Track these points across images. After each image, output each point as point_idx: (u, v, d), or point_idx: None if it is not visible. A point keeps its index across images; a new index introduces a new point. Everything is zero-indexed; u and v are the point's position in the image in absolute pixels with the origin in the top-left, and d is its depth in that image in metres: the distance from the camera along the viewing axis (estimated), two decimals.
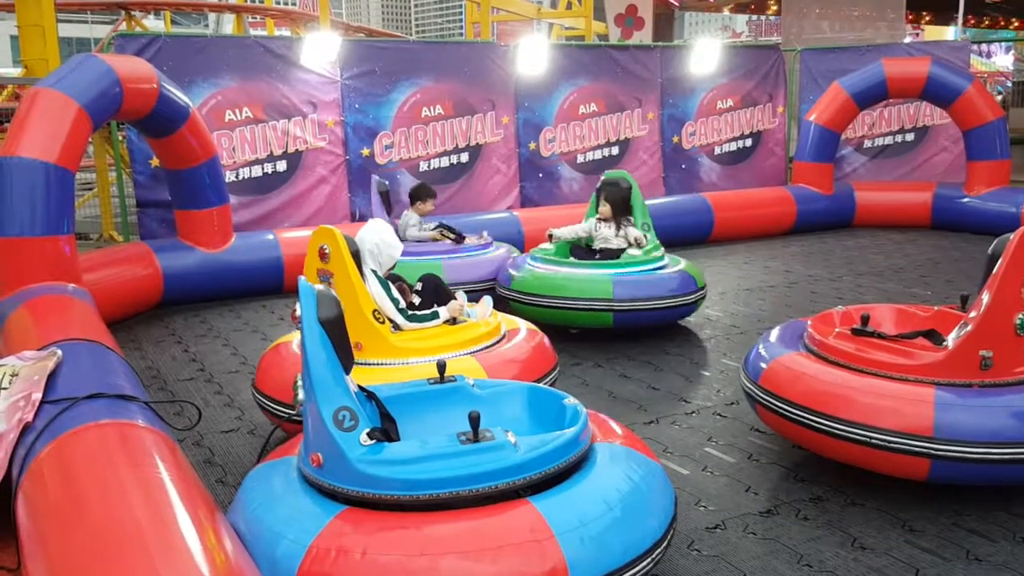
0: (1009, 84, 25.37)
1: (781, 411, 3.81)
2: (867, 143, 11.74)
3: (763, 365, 4.03)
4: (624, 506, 2.65)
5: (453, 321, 4.42)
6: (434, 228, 7.24)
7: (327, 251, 4.11)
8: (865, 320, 4.13)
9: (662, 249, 6.37)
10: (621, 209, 6.45)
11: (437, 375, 3.30)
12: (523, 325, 4.70)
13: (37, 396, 3.41)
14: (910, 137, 11.65)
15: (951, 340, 3.75)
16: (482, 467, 2.64)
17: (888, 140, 11.70)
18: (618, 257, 6.25)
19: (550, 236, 6.54)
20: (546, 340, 4.61)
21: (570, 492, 2.67)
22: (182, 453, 3.22)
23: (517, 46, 10.03)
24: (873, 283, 7.88)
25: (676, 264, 6.27)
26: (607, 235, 6.47)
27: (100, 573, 2.15)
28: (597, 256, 6.41)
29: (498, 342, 4.38)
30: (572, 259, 6.37)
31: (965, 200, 10.23)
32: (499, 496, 2.64)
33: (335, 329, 2.84)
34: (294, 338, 4.46)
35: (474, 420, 2.78)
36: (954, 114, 10.13)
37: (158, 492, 2.67)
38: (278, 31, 19.00)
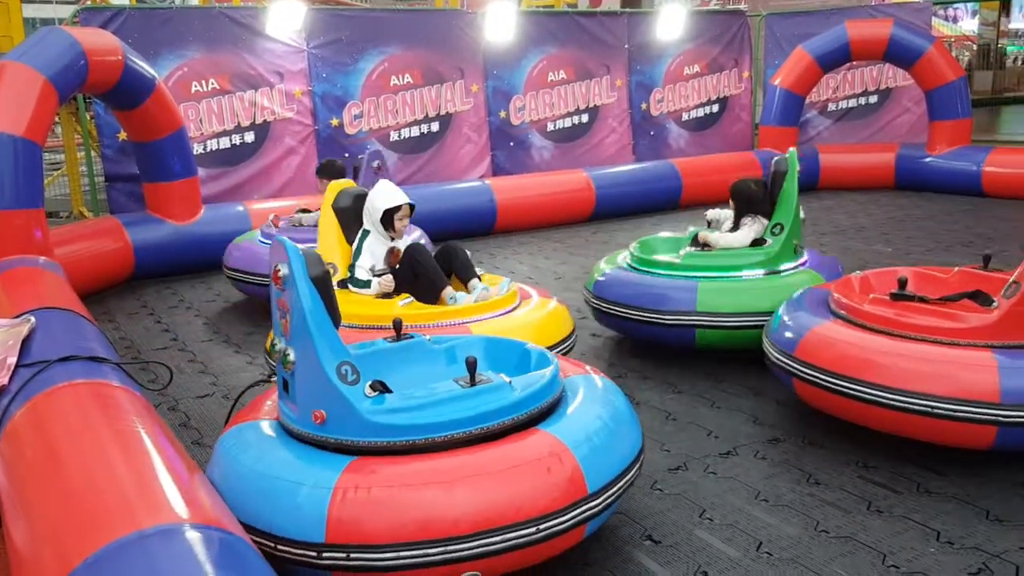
0: (975, 47, 25.66)
1: (828, 384, 3.58)
2: (831, 106, 11.89)
3: (796, 336, 3.79)
4: (615, 420, 2.90)
5: (389, 296, 4.30)
6: None
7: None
8: (903, 284, 3.91)
9: (748, 257, 4.83)
10: (744, 205, 5.16)
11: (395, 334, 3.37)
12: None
13: (12, 360, 3.46)
14: (873, 99, 11.81)
15: (1000, 300, 3.57)
16: (488, 406, 2.77)
17: (852, 103, 11.86)
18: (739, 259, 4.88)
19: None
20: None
21: (569, 415, 2.88)
22: (155, 411, 3.29)
23: (484, 14, 10.04)
24: (836, 241, 8.04)
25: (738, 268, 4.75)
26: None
27: (81, 524, 2.20)
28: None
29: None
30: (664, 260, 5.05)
31: (927, 160, 10.40)
32: (507, 431, 2.77)
33: (324, 287, 2.90)
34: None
35: (471, 365, 2.93)
36: (916, 75, 10.29)
37: (134, 445, 2.73)
38: (244, 3, 18.84)
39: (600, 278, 5.09)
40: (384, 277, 4.32)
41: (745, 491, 3.38)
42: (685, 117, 11.59)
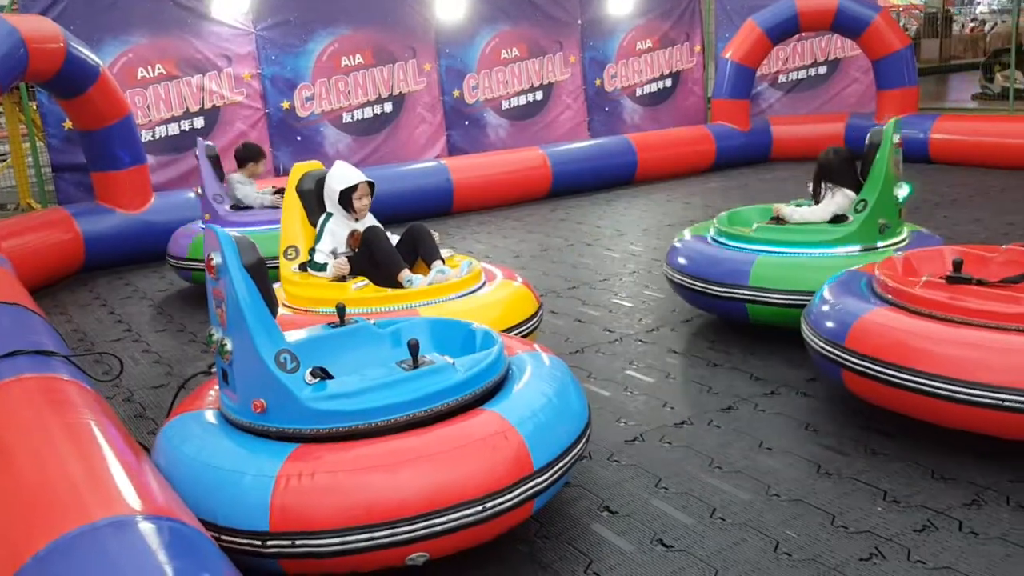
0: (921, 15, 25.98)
1: (886, 377, 3.31)
2: (781, 78, 12.00)
3: (844, 323, 3.51)
4: (560, 396, 2.92)
5: (344, 279, 4.29)
6: (274, 193, 6.62)
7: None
8: (958, 266, 3.62)
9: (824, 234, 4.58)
10: (825, 174, 4.88)
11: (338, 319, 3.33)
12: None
13: None
14: (823, 70, 11.95)
15: None
16: (430, 388, 2.77)
17: (802, 74, 11.98)
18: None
19: None
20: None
21: (514, 394, 2.89)
22: (106, 403, 3.26)
23: None
24: None
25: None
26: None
27: (32, 519, 2.18)
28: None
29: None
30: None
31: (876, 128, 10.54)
32: (451, 412, 2.77)
33: (258, 274, 2.86)
34: None
35: (413, 348, 2.92)
36: (863, 44, 10.42)
37: (85, 438, 2.71)
38: None
39: (675, 246, 5.06)
40: (338, 260, 4.29)
41: (699, 459, 3.45)
42: (639, 92, 11.63)
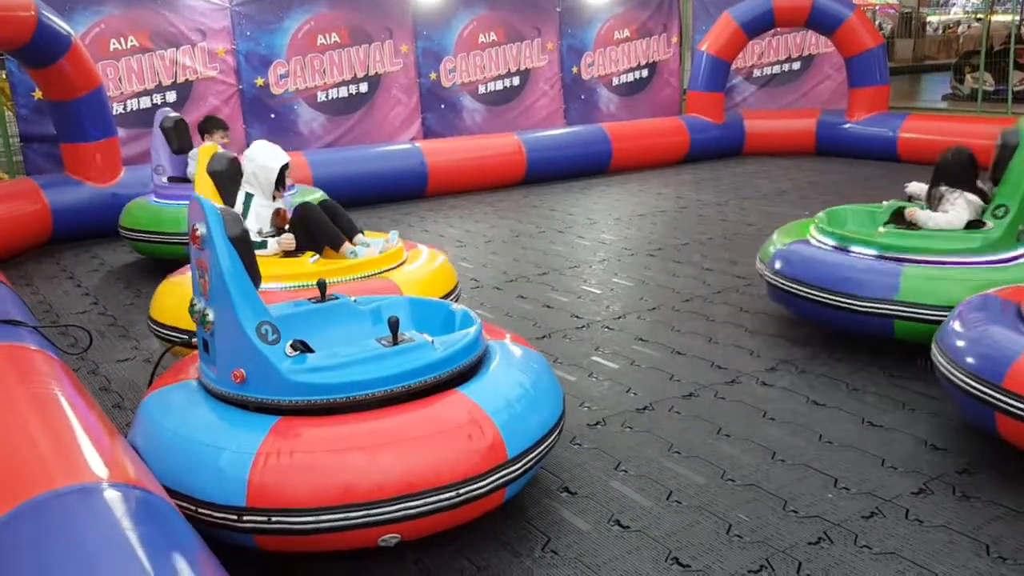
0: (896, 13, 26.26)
1: None
2: (756, 72, 12.11)
3: (999, 360, 3.08)
4: (536, 386, 2.96)
5: (293, 254, 4.33)
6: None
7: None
8: None
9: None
10: (943, 176, 4.58)
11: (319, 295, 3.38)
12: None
13: None
14: (796, 66, 12.07)
15: None
16: (409, 365, 2.82)
17: (776, 69, 12.10)
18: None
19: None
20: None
21: (489, 380, 2.93)
22: (73, 374, 3.27)
23: None
24: (757, 206, 8.26)
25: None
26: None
27: None
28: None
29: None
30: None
31: (847, 126, 10.71)
32: (428, 390, 2.82)
33: (243, 246, 2.89)
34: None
35: (393, 325, 2.97)
36: (837, 42, 10.54)
37: (51, 407, 2.73)
38: None
39: (781, 251, 4.61)
40: (284, 236, 4.34)
41: (659, 444, 3.53)
42: (615, 82, 11.67)
